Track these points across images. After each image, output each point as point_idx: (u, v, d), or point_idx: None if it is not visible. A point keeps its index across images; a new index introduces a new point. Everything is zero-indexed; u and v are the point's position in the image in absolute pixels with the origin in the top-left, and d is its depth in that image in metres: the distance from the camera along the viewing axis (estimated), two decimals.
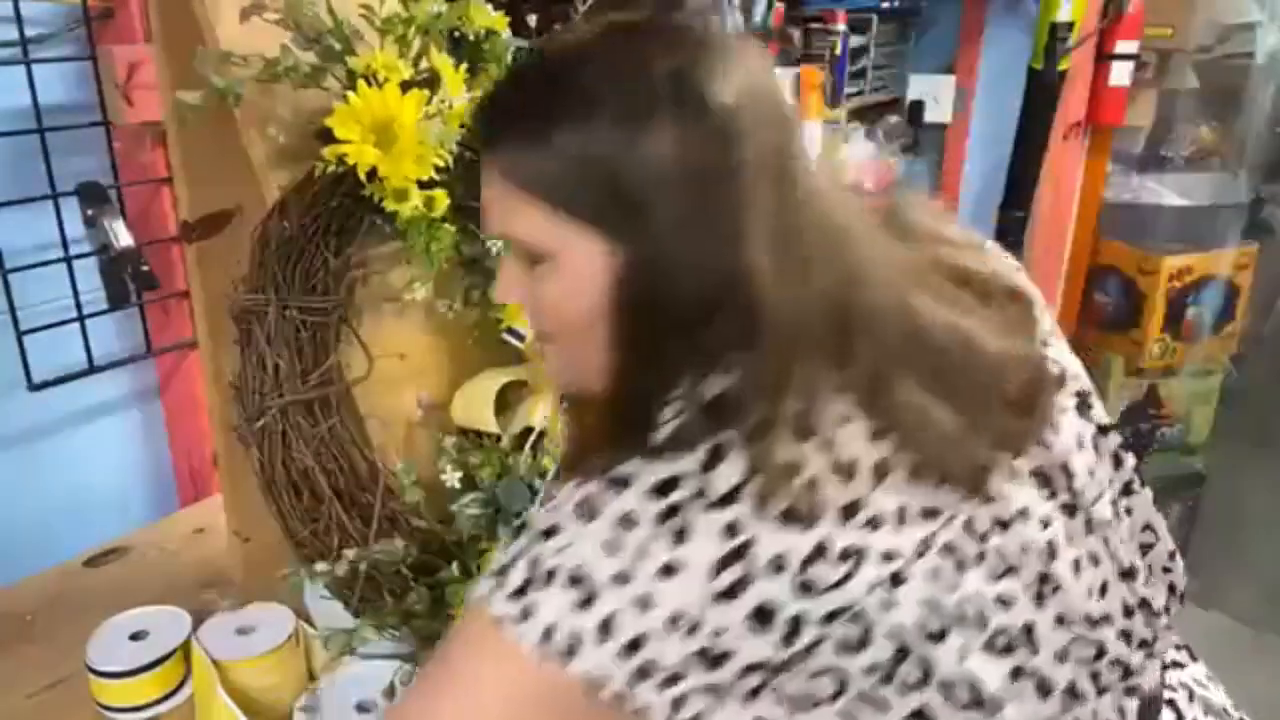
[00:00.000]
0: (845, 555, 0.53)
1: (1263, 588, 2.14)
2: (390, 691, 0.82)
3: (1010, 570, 0.58)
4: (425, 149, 0.82)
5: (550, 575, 0.53)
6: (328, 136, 0.81)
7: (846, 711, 0.57)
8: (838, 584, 0.53)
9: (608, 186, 0.58)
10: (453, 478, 0.85)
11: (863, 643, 0.55)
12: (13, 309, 1.23)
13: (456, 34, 0.93)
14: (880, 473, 0.55)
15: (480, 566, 0.84)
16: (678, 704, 0.53)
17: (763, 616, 0.53)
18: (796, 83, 2.25)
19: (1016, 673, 0.59)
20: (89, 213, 1.22)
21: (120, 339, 1.38)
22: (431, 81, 0.87)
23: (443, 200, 0.86)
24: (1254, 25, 2.13)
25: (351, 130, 0.81)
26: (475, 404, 0.92)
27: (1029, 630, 0.59)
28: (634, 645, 0.52)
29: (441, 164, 0.84)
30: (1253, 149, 2.23)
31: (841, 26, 2.43)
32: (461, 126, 0.88)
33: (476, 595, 0.56)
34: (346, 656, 1.04)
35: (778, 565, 0.52)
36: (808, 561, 0.53)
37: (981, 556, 0.57)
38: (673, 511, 0.53)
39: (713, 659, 0.53)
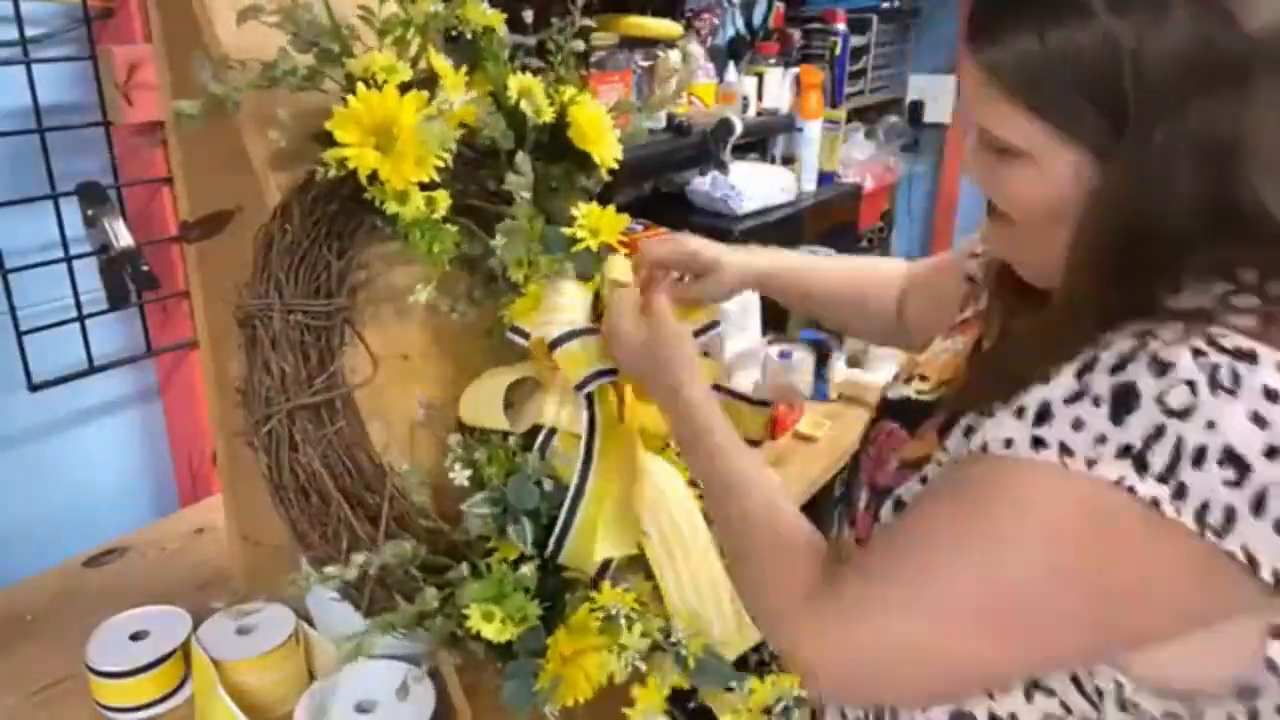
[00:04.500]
0: None
1: None
2: (404, 690, 0.82)
3: None
4: (425, 150, 0.82)
5: (1200, 453, 0.52)
6: (327, 140, 0.81)
7: None
8: None
9: (1101, 96, 0.55)
10: (461, 476, 0.86)
11: None
12: (13, 309, 1.23)
13: (453, 33, 0.93)
14: None
15: (490, 566, 0.84)
16: None
17: None
18: (796, 83, 2.25)
19: None
20: (89, 213, 1.22)
21: (120, 339, 1.38)
22: (429, 82, 0.87)
23: (443, 200, 0.85)
24: None
25: (351, 133, 0.81)
26: (484, 403, 0.92)
27: None
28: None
29: (441, 165, 0.84)
30: None
31: (841, 26, 2.43)
32: (461, 127, 0.88)
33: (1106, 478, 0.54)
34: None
35: None
36: None
37: None
38: None
39: None
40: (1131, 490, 0.53)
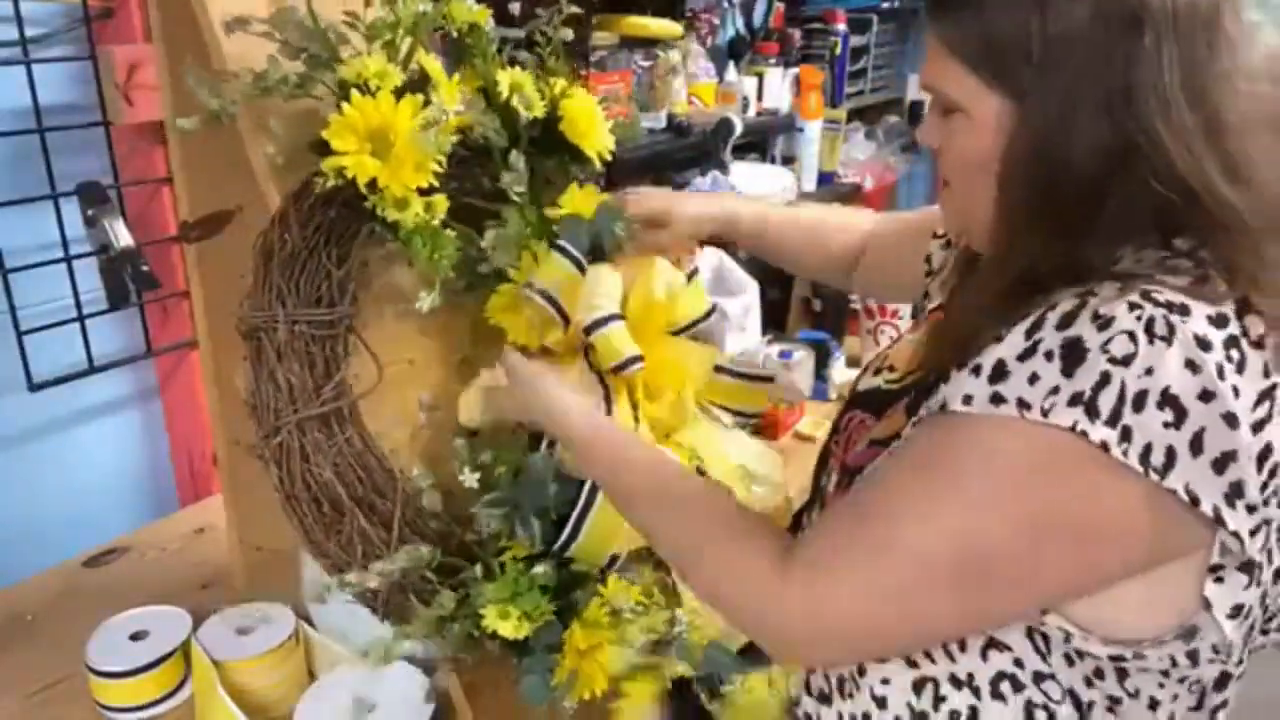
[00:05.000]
0: None
1: None
2: (429, 695, 0.83)
3: None
4: (424, 156, 0.82)
5: (1141, 397, 0.56)
6: (324, 149, 0.80)
7: None
8: None
9: (1019, 46, 0.62)
10: (470, 479, 0.85)
11: None
12: (13, 309, 1.23)
13: (440, 32, 0.92)
14: None
15: (504, 565, 0.84)
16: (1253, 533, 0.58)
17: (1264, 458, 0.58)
18: (796, 83, 2.25)
19: None
20: (89, 213, 1.22)
21: (120, 339, 1.38)
22: (422, 84, 0.87)
23: (442, 204, 0.85)
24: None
25: (348, 141, 0.80)
26: (482, 404, 0.92)
27: None
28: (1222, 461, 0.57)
29: (440, 169, 0.83)
30: None
31: (841, 27, 2.43)
32: (457, 131, 0.88)
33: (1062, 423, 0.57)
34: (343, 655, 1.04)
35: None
36: None
37: None
38: (1233, 342, 0.58)
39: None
40: (1084, 435, 0.56)
